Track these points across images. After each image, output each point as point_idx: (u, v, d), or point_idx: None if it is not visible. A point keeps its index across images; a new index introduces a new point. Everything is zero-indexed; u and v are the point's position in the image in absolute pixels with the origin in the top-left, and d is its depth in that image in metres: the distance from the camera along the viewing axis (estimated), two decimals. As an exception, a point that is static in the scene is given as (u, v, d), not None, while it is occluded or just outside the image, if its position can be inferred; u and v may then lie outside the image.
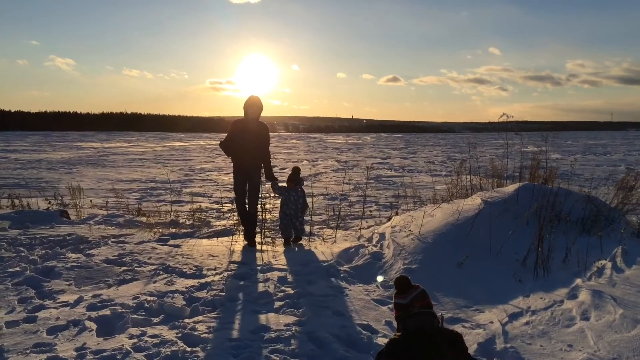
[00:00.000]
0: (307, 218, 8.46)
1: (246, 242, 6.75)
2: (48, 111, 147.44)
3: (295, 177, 6.91)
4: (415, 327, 2.82)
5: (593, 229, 6.02)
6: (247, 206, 6.86)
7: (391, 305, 3.21)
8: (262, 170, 6.95)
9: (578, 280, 4.82)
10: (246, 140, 6.69)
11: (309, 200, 7.21)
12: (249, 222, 6.83)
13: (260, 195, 7.13)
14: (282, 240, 6.91)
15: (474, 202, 6.56)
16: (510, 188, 6.81)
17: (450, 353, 2.79)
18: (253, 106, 6.79)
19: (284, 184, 7.01)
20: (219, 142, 6.91)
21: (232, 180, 7.04)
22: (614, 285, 4.61)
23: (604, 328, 3.84)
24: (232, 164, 6.90)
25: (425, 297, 2.96)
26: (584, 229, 6.11)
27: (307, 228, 7.67)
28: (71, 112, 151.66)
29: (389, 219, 7.76)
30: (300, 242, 6.87)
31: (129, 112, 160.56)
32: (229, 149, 6.80)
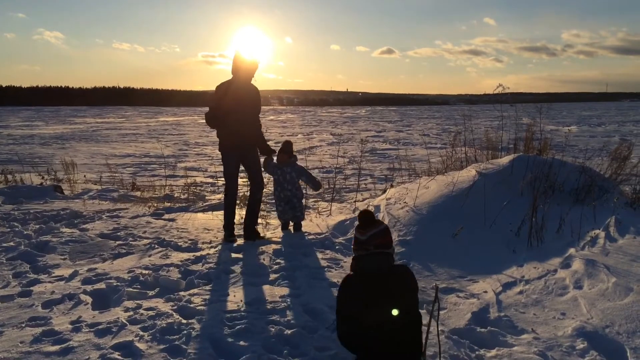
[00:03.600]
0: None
1: (230, 240, 5.54)
2: (40, 86, 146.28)
3: (288, 147, 6.00)
4: (370, 269, 2.78)
5: (587, 199, 6.04)
6: (250, 192, 5.77)
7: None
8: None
9: (571, 250, 4.84)
10: (238, 108, 5.44)
11: None
12: (251, 211, 5.70)
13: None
14: (280, 223, 6.10)
15: (468, 173, 6.56)
16: (505, 159, 6.80)
17: (406, 293, 2.77)
18: (249, 65, 5.50)
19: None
20: (204, 114, 5.57)
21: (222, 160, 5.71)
22: (607, 254, 4.64)
23: (597, 296, 3.87)
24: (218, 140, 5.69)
25: (385, 235, 2.87)
26: (578, 199, 6.13)
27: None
28: (63, 86, 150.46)
29: (384, 191, 7.76)
30: (300, 230, 5.93)
31: (121, 86, 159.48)
32: (218, 120, 5.51)
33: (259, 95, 5.76)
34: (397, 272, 2.86)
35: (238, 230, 5.80)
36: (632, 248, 4.76)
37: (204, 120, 5.62)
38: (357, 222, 2.94)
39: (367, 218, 2.89)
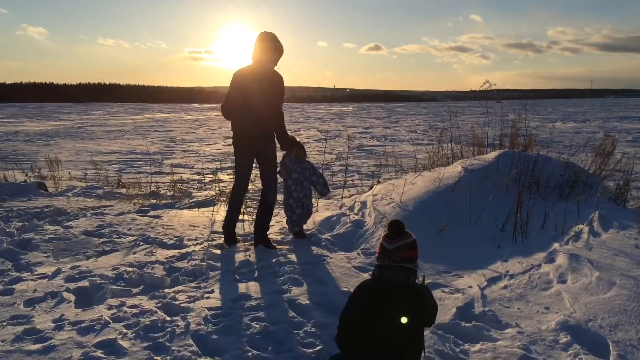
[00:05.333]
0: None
1: (231, 243, 5.17)
2: (24, 82, 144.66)
3: (299, 142, 5.55)
4: (389, 280, 2.76)
5: (571, 195, 6.09)
6: (262, 193, 5.25)
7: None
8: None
9: (556, 245, 4.88)
10: (259, 99, 4.87)
11: None
12: (262, 215, 5.22)
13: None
14: (292, 232, 5.51)
15: (454, 169, 6.58)
16: (491, 155, 6.83)
17: (421, 315, 2.77)
18: (275, 49, 4.91)
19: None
20: (220, 106, 5.03)
21: (233, 155, 5.20)
22: (591, 249, 4.68)
23: (580, 290, 3.91)
24: (231, 134, 5.13)
25: (413, 249, 2.82)
26: (562, 194, 6.17)
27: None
28: (47, 82, 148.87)
29: (371, 187, 7.76)
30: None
31: (106, 82, 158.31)
32: (234, 112, 4.96)
33: (283, 83, 5.17)
34: (416, 289, 2.85)
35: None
36: (615, 242, 4.81)
37: (222, 112, 5.06)
38: (385, 231, 2.89)
39: (396, 228, 2.84)
